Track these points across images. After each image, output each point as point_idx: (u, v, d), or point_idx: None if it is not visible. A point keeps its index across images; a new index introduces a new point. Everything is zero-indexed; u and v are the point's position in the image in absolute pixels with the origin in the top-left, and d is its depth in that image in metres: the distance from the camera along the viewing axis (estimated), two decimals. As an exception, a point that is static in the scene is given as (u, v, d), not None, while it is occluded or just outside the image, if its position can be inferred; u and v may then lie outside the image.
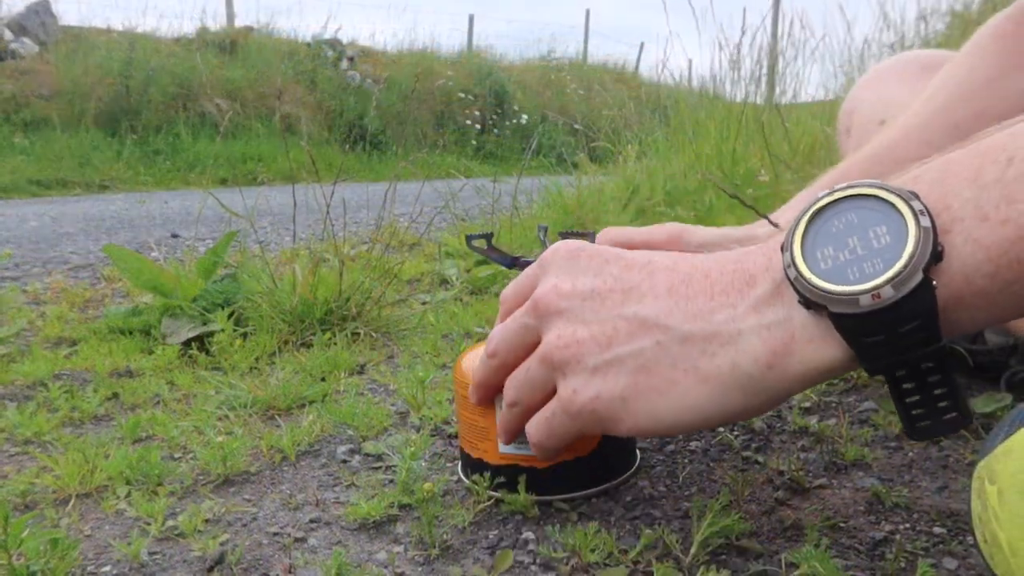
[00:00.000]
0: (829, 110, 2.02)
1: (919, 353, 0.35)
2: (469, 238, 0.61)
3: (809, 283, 0.35)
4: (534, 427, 0.46)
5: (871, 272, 0.34)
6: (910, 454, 0.63)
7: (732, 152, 1.88)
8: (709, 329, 0.39)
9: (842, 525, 0.51)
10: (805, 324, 0.36)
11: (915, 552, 0.47)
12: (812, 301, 0.35)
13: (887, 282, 0.33)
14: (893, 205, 0.34)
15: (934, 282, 0.33)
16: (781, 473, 0.58)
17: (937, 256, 0.33)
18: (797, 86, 2.44)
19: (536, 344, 0.44)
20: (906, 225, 0.34)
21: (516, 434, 0.49)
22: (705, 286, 0.40)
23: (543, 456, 0.48)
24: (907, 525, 0.51)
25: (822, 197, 0.37)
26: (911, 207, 0.34)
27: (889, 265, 0.34)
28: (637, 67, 9.87)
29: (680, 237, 0.63)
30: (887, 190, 0.35)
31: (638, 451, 0.61)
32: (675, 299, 0.40)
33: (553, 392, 0.44)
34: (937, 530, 0.50)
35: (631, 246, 0.62)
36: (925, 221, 0.33)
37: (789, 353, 0.37)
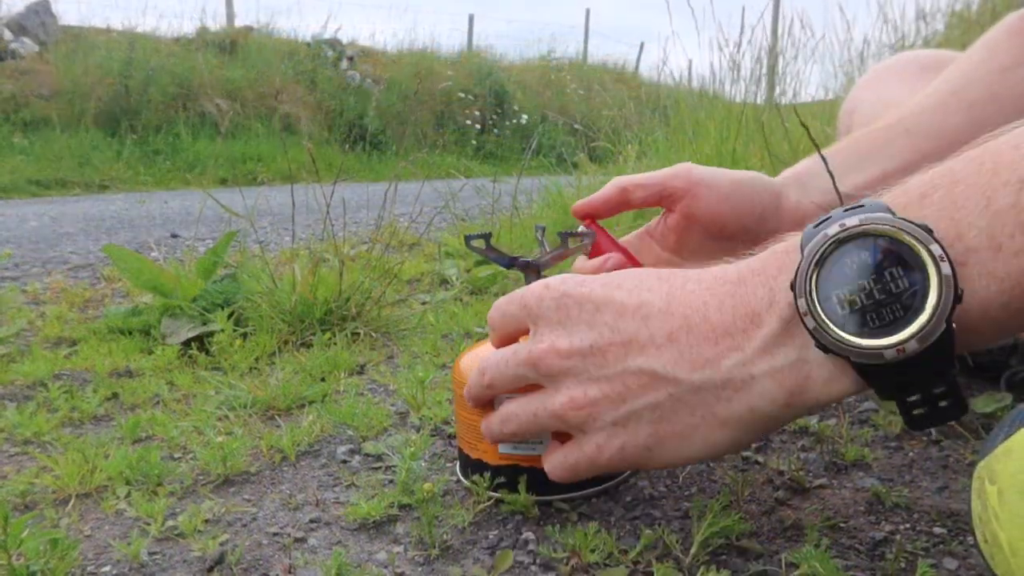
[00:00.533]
0: (829, 110, 2.02)
1: (933, 381, 0.35)
2: (468, 238, 0.61)
3: (831, 334, 0.34)
4: (558, 469, 0.46)
5: (890, 319, 0.34)
6: (910, 454, 0.63)
7: (732, 152, 1.88)
8: (719, 377, 0.38)
9: (842, 525, 0.50)
10: (821, 365, 0.36)
11: (915, 552, 0.47)
12: (831, 349, 0.35)
13: (912, 337, 0.33)
14: (908, 245, 0.33)
15: (953, 325, 0.33)
16: (781, 473, 0.58)
17: (958, 299, 0.32)
18: (797, 86, 2.43)
19: (535, 385, 0.45)
20: (926, 270, 0.33)
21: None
22: (706, 330, 0.39)
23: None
24: (907, 525, 0.51)
25: (833, 235, 0.35)
26: (931, 252, 0.32)
27: (912, 317, 0.33)
28: (637, 67, 9.88)
29: (689, 175, 0.60)
30: (901, 230, 0.33)
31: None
32: (678, 347, 0.39)
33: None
34: (937, 530, 0.50)
35: (646, 190, 0.60)
36: (946, 268, 0.32)
37: (805, 392, 0.37)
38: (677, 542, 0.47)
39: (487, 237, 0.61)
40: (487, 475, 0.53)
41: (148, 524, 0.52)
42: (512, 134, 7.84)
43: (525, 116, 7.92)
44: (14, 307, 1.20)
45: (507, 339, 0.50)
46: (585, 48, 10.44)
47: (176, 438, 0.67)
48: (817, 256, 0.35)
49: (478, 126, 7.70)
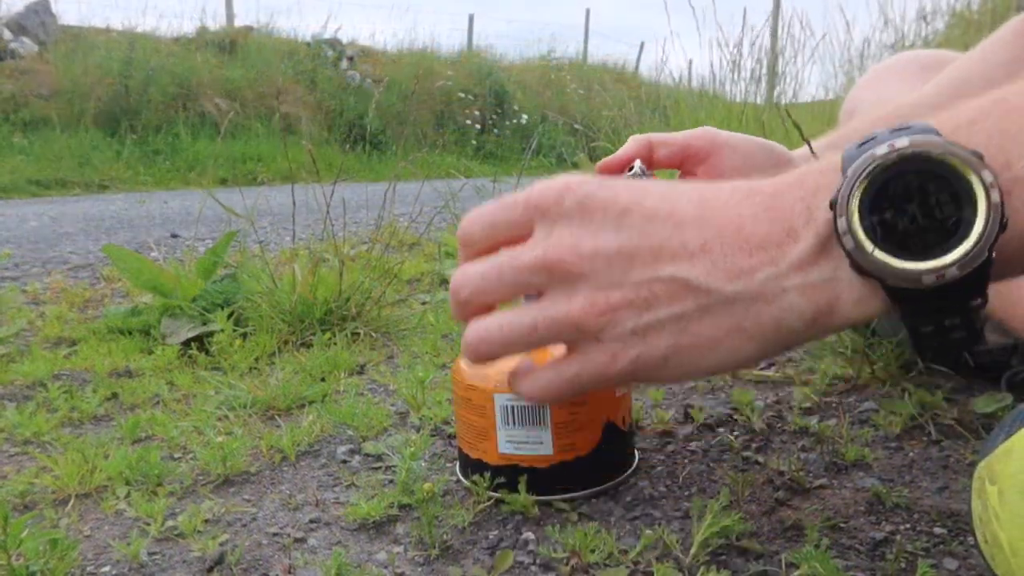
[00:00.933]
0: (829, 110, 2.02)
1: (963, 309, 0.34)
2: None
3: (869, 256, 0.33)
4: (553, 385, 0.41)
5: (933, 243, 0.33)
6: (911, 454, 0.63)
7: (732, 152, 1.87)
8: (752, 289, 0.37)
9: (842, 525, 0.50)
10: (852, 285, 0.35)
11: (915, 552, 0.47)
12: (867, 271, 0.34)
13: (953, 263, 0.32)
14: (958, 171, 0.32)
15: (994, 254, 0.32)
16: (781, 473, 0.58)
17: (1003, 228, 0.32)
18: (797, 86, 2.43)
19: (530, 294, 0.40)
20: (974, 196, 0.32)
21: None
22: (740, 241, 0.37)
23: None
24: (907, 525, 0.51)
25: (881, 155, 0.34)
26: (981, 179, 0.32)
27: (955, 243, 0.32)
28: (637, 67, 9.88)
29: (714, 137, 0.59)
30: (953, 154, 0.32)
31: (636, 452, 0.61)
32: (711, 257, 0.37)
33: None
34: (938, 530, 0.50)
35: (669, 147, 0.59)
36: (995, 196, 0.31)
37: (833, 311, 0.36)
38: (677, 542, 0.47)
39: None
40: (487, 475, 0.53)
41: (148, 524, 0.52)
42: (512, 134, 7.84)
43: (525, 116, 7.92)
44: (14, 307, 1.20)
45: (482, 254, 0.43)
46: (585, 48, 10.44)
47: (176, 438, 0.67)
48: (862, 176, 0.34)
49: (478, 126, 7.70)
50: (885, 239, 0.34)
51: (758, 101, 2.33)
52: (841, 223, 0.34)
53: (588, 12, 10.74)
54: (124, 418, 0.72)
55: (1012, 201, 0.32)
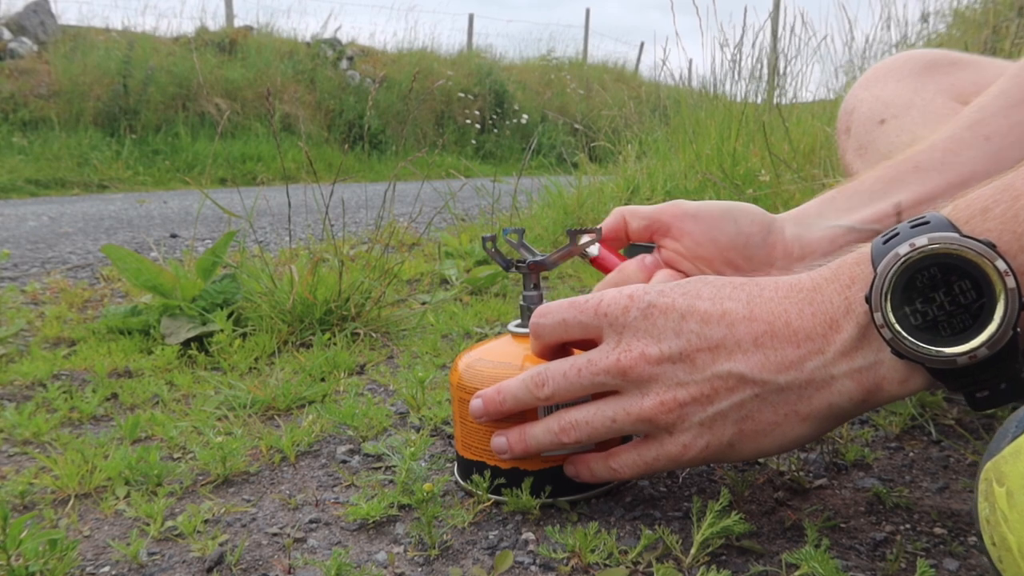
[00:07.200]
0: (830, 110, 2.02)
1: (1000, 379, 0.38)
2: (505, 232, 0.62)
3: (906, 343, 0.38)
4: (627, 467, 0.48)
5: (961, 328, 0.37)
6: (911, 454, 0.62)
7: (732, 152, 1.88)
8: (803, 377, 0.41)
9: (843, 526, 0.50)
10: (895, 367, 0.39)
11: (915, 553, 0.47)
12: (907, 356, 0.38)
13: (982, 344, 0.36)
14: (974, 262, 0.36)
15: (1019, 329, 0.36)
16: (781, 474, 0.58)
17: (1022, 306, 0.36)
18: (798, 86, 2.43)
19: (603, 395, 0.46)
20: (992, 284, 0.36)
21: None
22: (788, 334, 0.42)
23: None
24: (908, 526, 0.51)
25: (904, 255, 0.38)
26: (996, 268, 0.35)
27: (981, 326, 0.36)
28: (637, 67, 9.89)
29: (676, 209, 0.62)
30: (968, 248, 0.36)
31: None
32: (764, 351, 0.42)
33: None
34: (938, 531, 0.50)
35: (640, 220, 0.62)
36: (1011, 282, 0.35)
37: (880, 390, 0.40)
38: (677, 542, 0.46)
39: (521, 233, 0.61)
40: (487, 474, 0.52)
41: (147, 524, 0.52)
42: (512, 134, 7.84)
43: (525, 116, 7.92)
44: (13, 307, 1.20)
45: (558, 348, 0.50)
46: (585, 48, 10.44)
47: (175, 438, 0.67)
48: (890, 274, 0.38)
49: (478, 126, 7.70)
50: (919, 327, 0.38)
51: (759, 100, 2.33)
52: (877, 317, 0.38)
53: (588, 12, 10.74)
54: (124, 418, 0.72)
55: None
